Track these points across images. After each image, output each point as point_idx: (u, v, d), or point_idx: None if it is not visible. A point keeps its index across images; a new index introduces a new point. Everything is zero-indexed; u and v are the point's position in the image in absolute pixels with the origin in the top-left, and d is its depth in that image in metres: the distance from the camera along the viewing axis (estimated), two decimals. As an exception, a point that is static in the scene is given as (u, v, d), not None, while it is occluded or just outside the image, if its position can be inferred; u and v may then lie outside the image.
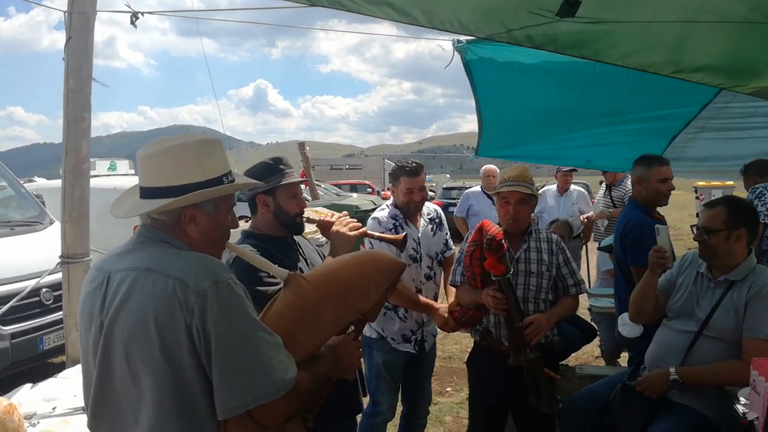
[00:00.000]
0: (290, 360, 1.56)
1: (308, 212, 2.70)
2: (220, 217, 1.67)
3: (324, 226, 2.62)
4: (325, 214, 2.70)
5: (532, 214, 6.80)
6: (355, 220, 2.64)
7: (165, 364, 1.47)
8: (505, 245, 2.89)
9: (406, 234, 2.75)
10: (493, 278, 2.91)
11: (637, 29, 2.16)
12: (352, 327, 1.94)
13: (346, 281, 1.81)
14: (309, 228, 2.73)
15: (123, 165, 10.12)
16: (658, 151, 5.07)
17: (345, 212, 2.73)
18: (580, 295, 3.26)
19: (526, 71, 3.93)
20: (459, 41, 3.58)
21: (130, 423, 1.55)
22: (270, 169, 2.57)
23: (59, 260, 3.35)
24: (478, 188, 7.03)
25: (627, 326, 3.25)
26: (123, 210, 1.69)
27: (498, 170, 6.61)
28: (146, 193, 1.62)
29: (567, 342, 4.72)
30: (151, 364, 1.48)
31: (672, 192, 3.74)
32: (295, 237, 2.70)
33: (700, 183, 17.65)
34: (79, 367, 3.01)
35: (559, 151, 5.95)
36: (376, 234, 2.76)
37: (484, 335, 3.18)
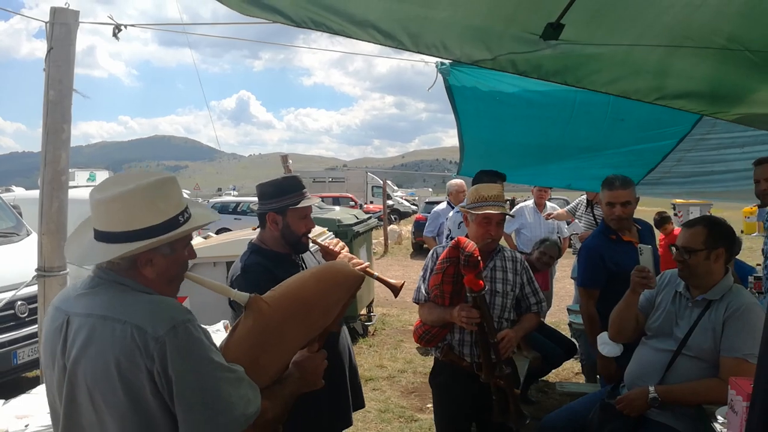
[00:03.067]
0: (254, 391, 1.61)
1: (314, 232, 2.77)
2: (177, 256, 1.69)
3: (327, 253, 2.69)
4: (330, 240, 2.76)
5: (510, 231, 6.85)
6: (357, 258, 2.71)
7: (130, 407, 1.50)
8: (482, 263, 2.93)
9: (403, 282, 2.77)
10: (468, 294, 2.93)
11: (621, 55, 2.19)
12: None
13: (306, 301, 1.83)
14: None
15: (102, 176, 10.01)
16: (635, 179, 5.17)
17: (338, 241, 2.82)
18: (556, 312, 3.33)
19: (507, 102, 4.02)
20: (443, 63, 3.63)
21: None
22: (283, 190, 2.63)
23: (35, 273, 3.30)
24: (444, 204, 6.95)
25: (607, 345, 3.27)
26: (79, 256, 1.69)
27: (464, 184, 6.52)
28: (102, 236, 1.62)
29: (547, 358, 4.75)
30: (116, 408, 1.51)
31: (625, 213, 3.59)
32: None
33: (678, 200, 17.94)
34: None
35: (539, 176, 6.10)
36: (375, 274, 2.78)
37: (446, 351, 3.20)
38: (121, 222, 1.58)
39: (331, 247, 2.75)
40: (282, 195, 2.64)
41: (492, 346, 2.96)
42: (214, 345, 1.61)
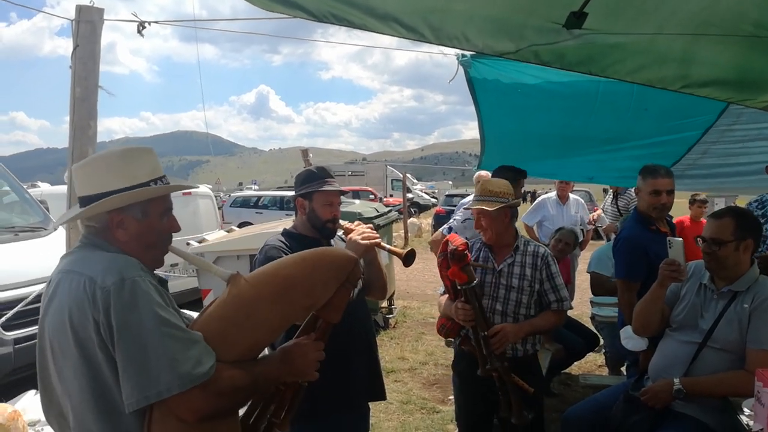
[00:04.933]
0: (207, 355, 1.59)
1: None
2: (151, 221, 1.73)
3: (347, 233, 2.76)
4: (354, 223, 2.83)
5: (532, 223, 6.78)
6: (373, 230, 2.73)
7: (80, 359, 1.55)
8: (469, 255, 2.92)
9: (412, 249, 2.77)
10: (458, 287, 2.95)
11: (645, 43, 2.16)
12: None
13: (285, 278, 1.81)
14: None
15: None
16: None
17: (359, 222, 2.83)
18: (569, 309, 3.27)
19: (530, 94, 3.99)
20: (463, 55, 3.61)
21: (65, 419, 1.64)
22: (312, 176, 2.80)
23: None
24: (471, 197, 6.97)
25: (631, 339, 3.22)
26: (61, 217, 1.84)
27: (489, 176, 6.55)
28: (80, 201, 1.72)
29: (570, 350, 4.73)
30: (70, 359, 1.57)
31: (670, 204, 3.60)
32: (331, 240, 2.88)
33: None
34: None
35: (561, 169, 6.03)
36: (387, 246, 2.80)
37: (464, 340, 3.21)
38: (91, 186, 1.68)
39: (348, 226, 2.80)
40: (310, 181, 2.78)
41: (482, 339, 2.96)
42: (175, 309, 1.64)
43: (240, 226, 15.35)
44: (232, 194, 26.64)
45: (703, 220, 7.42)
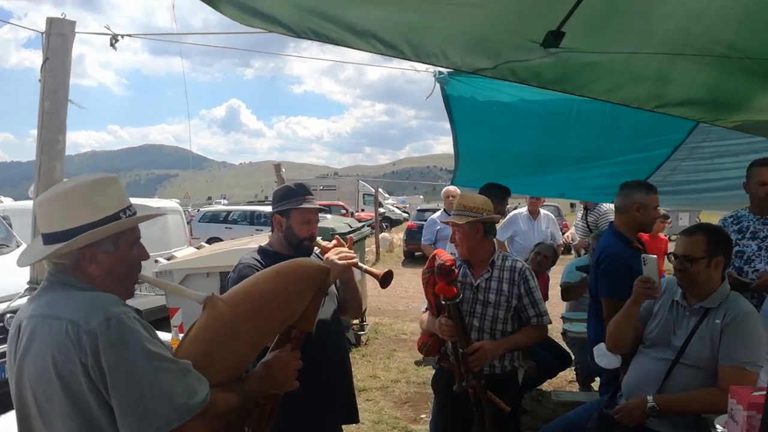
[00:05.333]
0: (201, 383, 1.59)
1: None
2: (122, 253, 1.70)
3: (324, 252, 2.74)
4: (329, 242, 2.80)
5: (503, 239, 6.82)
6: (350, 250, 2.70)
7: (69, 405, 1.50)
8: (456, 271, 2.95)
9: (389, 270, 2.75)
10: (443, 302, 2.97)
11: (621, 63, 2.20)
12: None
13: (260, 293, 1.84)
14: None
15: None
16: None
17: (336, 241, 2.79)
18: (549, 324, 3.26)
19: (505, 112, 4.03)
20: (440, 72, 3.63)
21: None
22: (290, 193, 2.77)
23: (27, 285, 3.25)
24: (440, 212, 7.01)
25: (605, 357, 3.23)
26: (26, 258, 1.74)
27: (458, 191, 6.62)
28: (45, 238, 1.66)
29: (542, 368, 4.75)
30: (57, 407, 1.52)
31: None
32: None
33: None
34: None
35: (534, 186, 6.12)
36: (364, 267, 2.78)
37: (442, 357, 3.24)
38: (59, 221, 1.62)
39: (325, 245, 2.78)
40: (288, 198, 2.76)
41: (461, 356, 2.97)
42: (158, 339, 1.61)
43: (209, 241, 15.12)
44: (201, 209, 26.28)
45: (662, 235, 7.55)
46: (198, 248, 7.42)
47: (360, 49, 2.21)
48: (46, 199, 1.66)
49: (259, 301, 1.82)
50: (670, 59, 2.13)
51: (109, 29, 3.14)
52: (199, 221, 21.19)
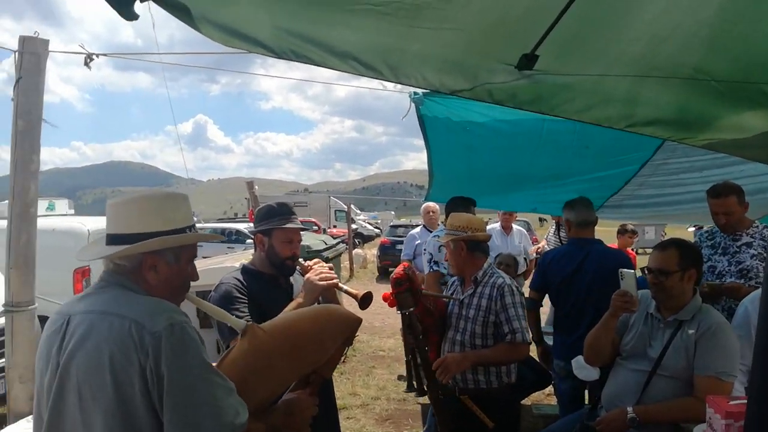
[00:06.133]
0: (242, 406, 1.61)
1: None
2: (180, 267, 1.75)
3: (305, 272, 2.76)
4: (310, 262, 2.84)
5: None
6: (331, 270, 2.73)
7: (117, 404, 1.50)
8: (405, 285, 3.09)
9: (369, 291, 2.78)
10: (397, 311, 3.16)
11: (592, 84, 2.27)
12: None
13: (301, 333, 1.89)
14: None
15: (62, 204, 9.74)
16: (598, 202, 5.36)
17: (318, 261, 2.84)
18: (527, 342, 3.25)
19: (477, 132, 4.12)
20: (416, 93, 3.69)
21: None
22: (272, 212, 2.77)
23: (1, 308, 3.19)
24: (420, 228, 7.06)
25: (583, 369, 3.28)
26: (87, 254, 1.79)
27: (437, 207, 6.70)
28: (111, 239, 1.70)
29: (518, 386, 4.74)
30: (103, 404, 1.50)
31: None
32: (290, 277, 2.86)
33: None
34: (20, 424, 2.85)
35: (505, 201, 6.23)
36: (344, 287, 2.80)
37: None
38: (130, 224, 1.67)
39: (305, 266, 2.80)
40: (270, 217, 2.76)
41: (422, 365, 3.14)
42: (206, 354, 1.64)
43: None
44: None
45: (629, 249, 7.69)
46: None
47: (340, 70, 2.25)
48: (120, 201, 1.72)
49: (298, 340, 1.86)
50: (639, 81, 2.21)
51: (83, 48, 3.13)
52: (169, 239, 20.84)
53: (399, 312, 3.12)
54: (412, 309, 3.09)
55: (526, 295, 7.16)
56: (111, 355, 1.50)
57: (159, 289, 1.70)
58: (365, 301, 2.69)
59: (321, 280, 2.63)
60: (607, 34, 2.05)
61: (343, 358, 7.87)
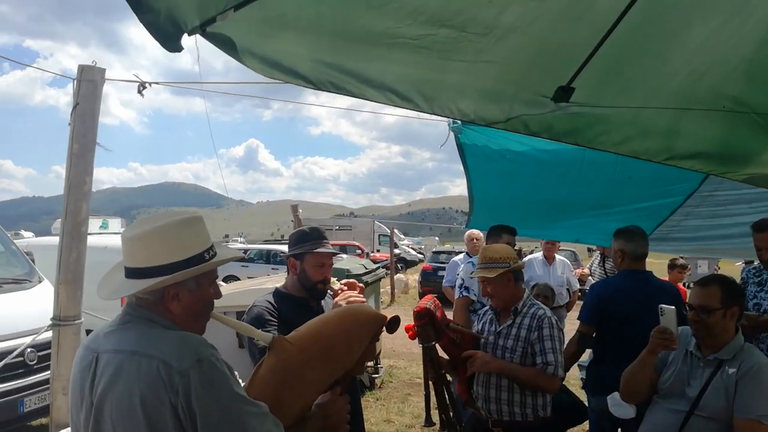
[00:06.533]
0: (277, 426, 1.63)
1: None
2: (202, 292, 1.75)
3: (335, 295, 2.83)
4: (340, 285, 2.91)
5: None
6: (359, 294, 2.80)
7: None
8: (425, 319, 3.12)
9: (396, 315, 2.80)
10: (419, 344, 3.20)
11: (630, 117, 2.26)
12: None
13: (328, 339, 1.89)
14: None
15: (115, 223, 10.11)
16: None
17: (347, 283, 2.92)
18: (559, 377, 3.18)
19: (517, 161, 4.13)
20: (454, 121, 3.73)
21: None
22: (304, 237, 2.84)
23: (50, 321, 3.33)
24: (463, 254, 7.01)
25: (620, 407, 3.18)
26: (108, 291, 1.75)
27: (481, 234, 6.62)
28: (131, 273, 1.69)
29: (553, 416, 4.60)
30: None
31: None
32: (321, 301, 2.92)
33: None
34: (64, 433, 2.95)
35: (547, 231, 6.15)
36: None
37: (468, 400, 3.42)
38: (148, 258, 1.65)
39: (336, 289, 2.86)
40: (303, 242, 2.82)
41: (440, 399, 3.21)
42: (238, 381, 1.64)
43: (225, 279, 15.19)
44: (218, 247, 26.41)
45: (680, 285, 7.45)
46: (215, 287, 7.47)
47: (376, 102, 2.31)
48: (136, 234, 1.69)
49: (327, 346, 1.87)
50: (678, 114, 2.20)
51: (137, 77, 3.30)
52: (216, 259, 21.32)
53: (420, 345, 3.13)
54: (433, 342, 3.09)
55: (567, 326, 7.05)
56: (142, 396, 1.51)
57: (183, 316, 1.70)
58: (392, 325, 2.71)
59: (348, 304, 2.66)
60: (644, 68, 2.05)
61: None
